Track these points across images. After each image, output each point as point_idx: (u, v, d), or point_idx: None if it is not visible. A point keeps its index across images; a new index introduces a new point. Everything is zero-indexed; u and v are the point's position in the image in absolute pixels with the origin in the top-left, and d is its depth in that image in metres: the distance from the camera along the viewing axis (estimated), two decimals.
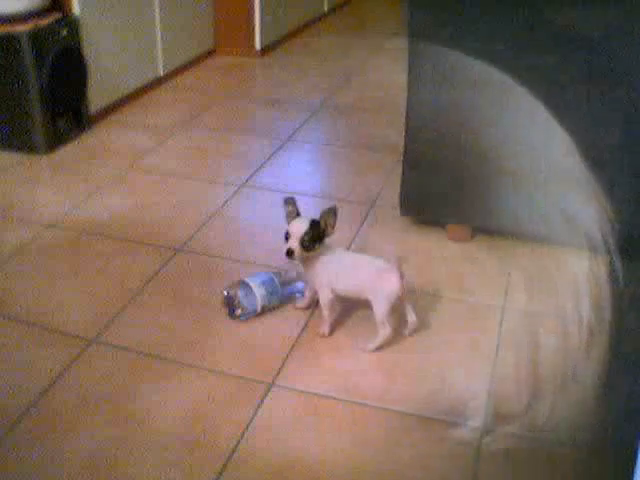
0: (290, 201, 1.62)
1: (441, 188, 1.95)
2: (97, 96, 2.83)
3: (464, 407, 1.46)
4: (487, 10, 1.71)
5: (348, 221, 2.12)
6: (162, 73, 3.31)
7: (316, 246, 1.57)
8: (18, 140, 2.58)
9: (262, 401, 1.46)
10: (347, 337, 1.65)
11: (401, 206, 2.04)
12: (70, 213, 2.19)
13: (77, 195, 2.30)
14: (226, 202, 2.27)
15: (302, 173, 2.53)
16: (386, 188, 2.36)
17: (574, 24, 1.65)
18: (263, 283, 1.70)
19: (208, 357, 1.58)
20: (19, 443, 1.35)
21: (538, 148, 1.81)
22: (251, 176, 2.45)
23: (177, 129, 2.84)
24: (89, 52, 2.73)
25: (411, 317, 1.63)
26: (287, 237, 1.56)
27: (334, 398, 1.48)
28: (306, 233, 1.55)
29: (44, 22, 2.50)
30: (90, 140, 2.73)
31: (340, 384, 1.51)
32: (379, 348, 1.60)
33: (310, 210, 1.66)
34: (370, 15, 4.88)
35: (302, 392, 1.49)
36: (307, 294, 1.72)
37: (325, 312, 1.63)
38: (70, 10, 2.65)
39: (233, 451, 1.34)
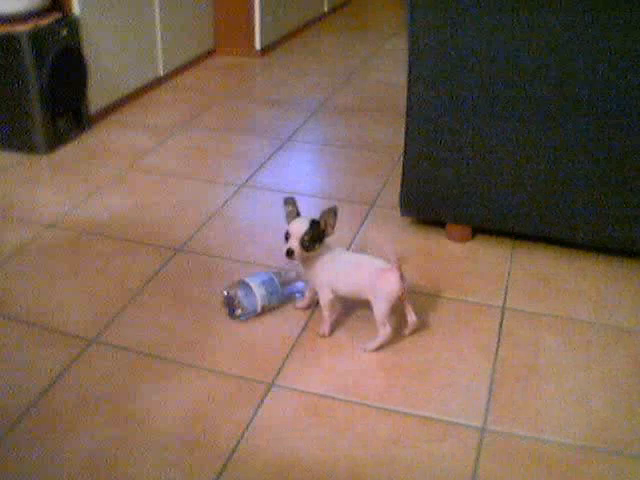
0: (290, 201, 1.62)
1: (441, 188, 1.95)
2: (97, 96, 2.83)
3: (464, 407, 1.46)
4: (487, 10, 1.71)
5: (348, 221, 2.13)
6: (162, 73, 3.31)
7: (316, 246, 1.57)
8: (18, 140, 2.58)
9: (262, 401, 1.46)
10: (347, 337, 1.65)
11: (401, 206, 2.04)
12: (70, 213, 2.19)
13: (77, 195, 2.30)
14: (226, 202, 2.27)
15: (302, 173, 2.53)
16: (386, 188, 2.36)
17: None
18: (263, 283, 1.70)
19: (208, 357, 1.58)
20: (19, 443, 1.35)
21: (538, 148, 1.82)
22: (251, 176, 2.45)
23: (177, 129, 2.84)
24: (89, 52, 2.73)
25: (411, 317, 1.63)
26: (287, 237, 1.56)
27: (334, 398, 1.48)
28: (306, 233, 1.55)
29: (44, 22, 2.50)
30: (90, 140, 2.73)
31: (340, 384, 1.51)
32: (379, 348, 1.60)
33: (310, 210, 1.66)
34: (370, 15, 4.88)
35: (302, 392, 1.49)
36: (307, 294, 1.72)
37: (325, 312, 1.63)
38: (70, 10, 2.65)
39: (233, 451, 1.34)
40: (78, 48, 2.65)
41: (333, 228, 1.59)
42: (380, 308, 1.56)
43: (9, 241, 2.03)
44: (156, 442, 1.36)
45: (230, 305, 1.69)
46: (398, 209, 2.06)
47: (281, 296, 1.73)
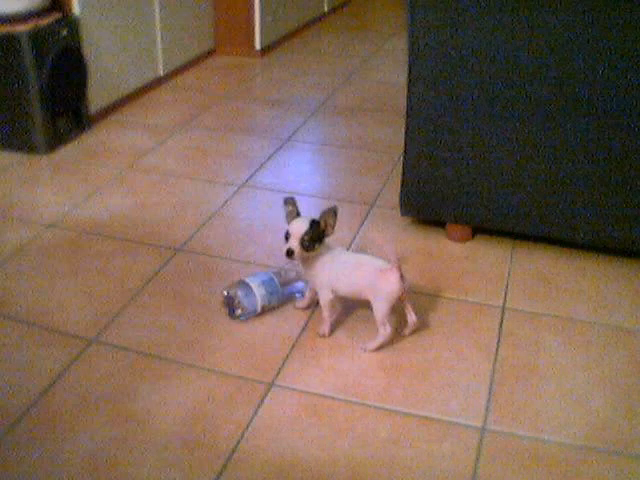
0: (290, 201, 1.62)
1: (441, 188, 1.95)
2: (97, 96, 2.83)
3: (464, 407, 1.46)
4: (487, 10, 1.71)
5: (348, 221, 2.13)
6: (162, 73, 3.31)
7: (316, 246, 1.57)
8: (18, 140, 2.58)
9: (262, 401, 1.46)
10: (347, 337, 1.65)
11: (401, 206, 2.04)
12: (70, 213, 2.19)
13: (77, 195, 2.30)
14: (226, 202, 2.27)
15: (302, 173, 2.53)
16: (386, 188, 2.36)
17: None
18: (263, 283, 1.70)
19: (208, 357, 1.58)
20: (19, 443, 1.35)
21: (538, 148, 1.82)
22: (251, 176, 2.45)
23: (177, 129, 2.84)
24: (89, 52, 2.73)
25: (411, 317, 1.63)
26: (287, 237, 1.56)
27: (334, 398, 1.48)
28: (306, 233, 1.55)
29: (44, 22, 2.50)
30: (90, 140, 2.73)
31: (340, 384, 1.51)
32: (379, 348, 1.60)
33: (310, 210, 1.66)
34: (370, 15, 4.88)
35: (302, 392, 1.49)
36: (307, 294, 1.72)
37: (325, 312, 1.63)
38: (70, 10, 2.65)
39: (233, 451, 1.34)
40: (78, 48, 2.65)
41: (333, 228, 1.59)
42: (380, 308, 1.56)
43: (9, 241, 2.03)
44: (156, 442, 1.36)
45: (230, 305, 1.69)
46: (398, 209, 2.06)
47: (281, 296, 1.73)
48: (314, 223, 1.56)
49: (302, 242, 1.55)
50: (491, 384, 1.52)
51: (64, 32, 2.56)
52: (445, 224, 2.05)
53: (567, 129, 1.76)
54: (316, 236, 1.56)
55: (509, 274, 1.89)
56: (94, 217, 2.16)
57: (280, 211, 1.65)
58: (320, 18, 4.56)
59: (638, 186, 1.77)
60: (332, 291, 1.62)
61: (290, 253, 1.55)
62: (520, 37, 1.70)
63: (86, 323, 1.68)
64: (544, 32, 1.68)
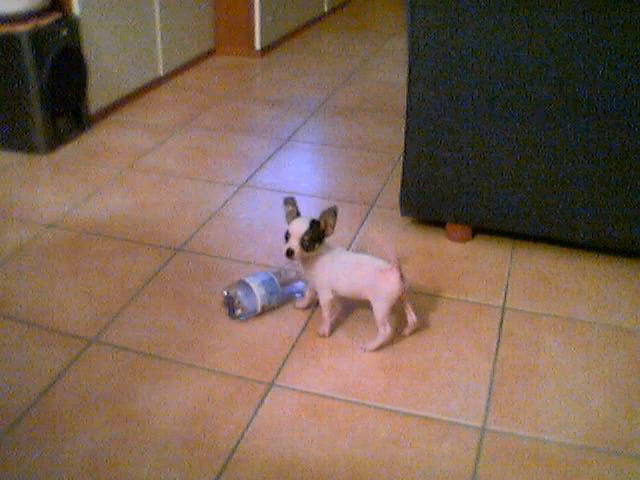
0: (290, 201, 1.62)
1: (441, 188, 1.95)
2: (97, 96, 2.83)
3: (464, 407, 1.46)
4: (487, 10, 1.71)
5: (348, 221, 2.13)
6: (162, 73, 3.31)
7: (316, 246, 1.57)
8: (18, 140, 2.58)
9: (262, 401, 1.46)
10: (347, 337, 1.65)
11: (401, 206, 2.04)
12: (70, 213, 2.19)
13: (77, 195, 2.30)
14: (226, 202, 2.27)
15: (302, 173, 2.53)
16: (386, 188, 2.36)
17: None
18: (263, 283, 1.70)
19: (208, 357, 1.58)
20: (19, 443, 1.35)
21: (538, 148, 1.82)
22: (251, 176, 2.45)
23: (177, 129, 2.84)
24: (89, 52, 2.73)
25: (411, 317, 1.63)
26: (287, 237, 1.56)
27: (334, 398, 1.48)
28: (306, 233, 1.55)
29: (44, 22, 2.50)
30: (90, 140, 2.73)
31: (340, 384, 1.51)
32: (379, 348, 1.60)
33: (310, 210, 1.66)
34: (370, 15, 4.88)
35: (302, 392, 1.49)
36: (307, 294, 1.72)
37: (325, 312, 1.63)
38: (70, 10, 2.65)
39: (233, 451, 1.34)
40: (78, 48, 2.65)
41: (333, 228, 1.59)
42: (380, 308, 1.56)
43: (9, 241, 2.03)
44: (156, 442, 1.36)
45: (230, 305, 1.69)
46: (398, 209, 2.06)
47: (281, 296, 1.73)
48: (314, 223, 1.56)
49: (302, 242, 1.55)
50: (491, 384, 1.52)
51: (64, 32, 2.56)
52: (445, 224, 2.05)
53: (567, 129, 1.76)
54: (316, 236, 1.56)
55: (509, 274, 1.89)
56: (94, 217, 2.16)
57: (280, 211, 1.65)
58: (320, 18, 4.56)
59: (638, 186, 1.77)
60: (332, 291, 1.62)
61: (290, 253, 1.55)
62: (520, 37, 1.70)
63: (86, 323, 1.68)
64: (544, 32, 1.68)
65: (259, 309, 1.70)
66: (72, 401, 1.45)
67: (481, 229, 2.05)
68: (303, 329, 1.68)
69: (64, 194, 2.31)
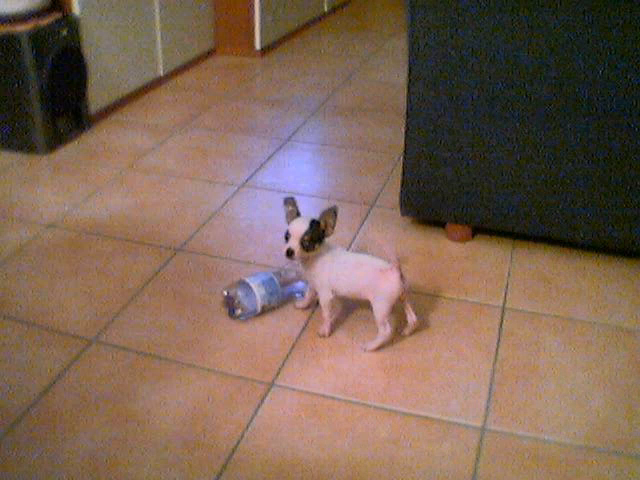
0: (290, 201, 1.62)
1: (441, 188, 1.95)
2: (97, 96, 2.83)
3: (464, 407, 1.46)
4: (487, 10, 1.71)
5: (348, 221, 2.13)
6: (162, 73, 3.31)
7: (316, 246, 1.57)
8: (18, 140, 2.58)
9: (262, 401, 1.46)
10: (347, 337, 1.65)
11: (401, 206, 2.04)
12: (70, 213, 2.19)
13: (77, 195, 2.30)
14: (226, 202, 2.27)
15: (302, 173, 2.53)
16: (386, 188, 2.36)
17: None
18: (263, 283, 1.70)
19: (208, 357, 1.58)
20: (19, 443, 1.35)
21: (538, 148, 1.82)
22: (251, 176, 2.45)
23: (177, 129, 2.84)
24: (89, 52, 2.73)
25: (411, 317, 1.63)
26: (287, 237, 1.56)
27: (334, 398, 1.48)
28: (306, 233, 1.55)
29: (44, 22, 2.50)
30: (90, 140, 2.73)
31: (340, 384, 1.51)
32: (379, 348, 1.60)
33: (310, 210, 1.66)
34: (370, 15, 4.88)
35: (302, 392, 1.49)
36: (307, 294, 1.72)
37: (325, 312, 1.63)
38: (70, 10, 2.65)
39: (233, 451, 1.34)
40: (78, 48, 2.65)
41: (333, 228, 1.59)
42: (380, 308, 1.56)
43: (9, 241, 2.03)
44: (156, 442, 1.36)
45: (230, 305, 1.69)
46: (398, 209, 2.06)
47: (281, 296, 1.73)
48: (314, 223, 1.56)
49: (302, 242, 1.55)
50: (491, 384, 1.52)
51: (64, 32, 2.56)
52: (445, 224, 2.05)
53: (567, 129, 1.76)
54: (316, 236, 1.56)
55: (509, 274, 1.89)
56: (94, 217, 2.16)
57: (280, 211, 1.65)
58: (320, 18, 4.56)
59: (638, 186, 1.77)
60: (332, 291, 1.62)
61: (290, 253, 1.55)
62: (520, 37, 1.70)
63: (86, 323, 1.68)
64: (544, 32, 1.68)
65: (259, 309, 1.70)
66: (72, 401, 1.45)
67: (481, 229, 2.05)
68: (303, 329, 1.68)
69: (64, 194, 2.31)
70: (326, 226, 1.58)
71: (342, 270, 1.60)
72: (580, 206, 1.84)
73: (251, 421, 1.41)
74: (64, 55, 2.56)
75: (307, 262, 1.61)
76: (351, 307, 1.73)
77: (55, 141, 2.62)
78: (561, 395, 1.49)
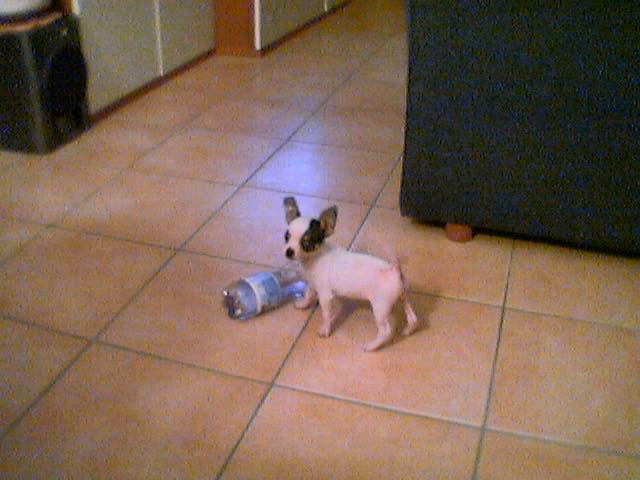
0: (290, 201, 1.62)
1: (441, 188, 1.95)
2: (97, 96, 2.83)
3: (464, 407, 1.46)
4: (487, 10, 1.71)
5: (348, 221, 2.13)
6: (162, 73, 3.31)
7: (316, 246, 1.57)
8: (18, 140, 2.58)
9: (262, 401, 1.46)
10: (347, 337, 1.65)
11: (401, 206, 2.04)
12: (70, 213, 2.19)
13: (77, 195, 2.30)
14: (226, 202, 2.27)
15: (302, 173, 2.53)
16: (386, 188, 2.36)
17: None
18: (263, 283, 1.70)
19: (208, 357, 1.58)
20: (19, 443, 1.35)
21: (538, 148, 1.82)
22: (251, 176, 2.45)
23: (177, 129, 2.84)
24: (89, 52, 2.73)
25: (411, 317, 1.63)
26: (287, 237, 1.56)
27: (334, 398, 1.48)
28: (306, 233, 1.55)
29: (44, 22, 2.50)
30: (90, 140, 2.73)
31: (340, 384, 1.51)
32: (379, 348, 1.60)
33: (310, 210, 1.66)
34: (370, 15, 4.88)
35: (302, 392, 1.49)
36: (307, 294, 1.72)
37: (325, 312, 1.63)
38: (70, 10, 2.65)
39: (233, 451, 1.34)
40: (78, 48, 2.65)
41: (333, 228, 1.59)
42: (380, 308, 1.56)
43: (9, 241, 2.03)
44: (156, 442, 1.36)
45: (230, 305, 1.69)
46: (398, 209, 2.06)
47: (281, 296, 1.73)
48: (314, 223, 1.56)
49: (302, 242, 1.55)
50: (491, 384, 1.52)
51: (64, 32, 2.56)
52: (445, 224, 2.05)
53: (567, 129, 1.76)
54: (316, 236, 1.56)
55: (509, 274, 1.89)
56: (94, 217, 2.16)
57: (280, 211, 1.65)
58: (320, 18, 4.56)
59: (638, 186, 1.77)
60: (332, 291, 1.62)
61: (290, 253, 1.55)
62: (520, 37, 1.70)
63: (86, 323, 1.68)
64: (544, 32, 1.68)
65: (259, 309, 1.70)
66: (72, 401, 1.45)
67: (481, 229, 2.05)
68: (303, 329, 1.68)
69: (64, 194, 2.31)
70: (326, 226, 1.58)
71: (342, 270, 1.60)
72: (580, 206, 1.84)
73: (251, 421, 1.41)
74: (64, 55, 2.56)
75: (307, 262, 1.61)
76: (351, 307, 1.73)
77: (55, 141, 2.62)
78: (561, 395, 1.49)
